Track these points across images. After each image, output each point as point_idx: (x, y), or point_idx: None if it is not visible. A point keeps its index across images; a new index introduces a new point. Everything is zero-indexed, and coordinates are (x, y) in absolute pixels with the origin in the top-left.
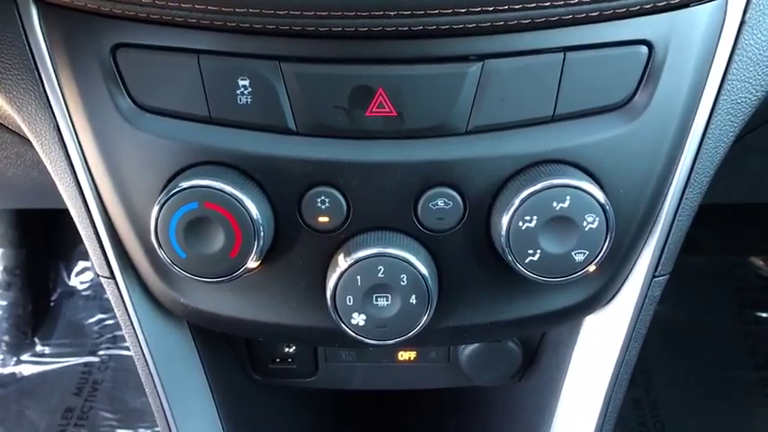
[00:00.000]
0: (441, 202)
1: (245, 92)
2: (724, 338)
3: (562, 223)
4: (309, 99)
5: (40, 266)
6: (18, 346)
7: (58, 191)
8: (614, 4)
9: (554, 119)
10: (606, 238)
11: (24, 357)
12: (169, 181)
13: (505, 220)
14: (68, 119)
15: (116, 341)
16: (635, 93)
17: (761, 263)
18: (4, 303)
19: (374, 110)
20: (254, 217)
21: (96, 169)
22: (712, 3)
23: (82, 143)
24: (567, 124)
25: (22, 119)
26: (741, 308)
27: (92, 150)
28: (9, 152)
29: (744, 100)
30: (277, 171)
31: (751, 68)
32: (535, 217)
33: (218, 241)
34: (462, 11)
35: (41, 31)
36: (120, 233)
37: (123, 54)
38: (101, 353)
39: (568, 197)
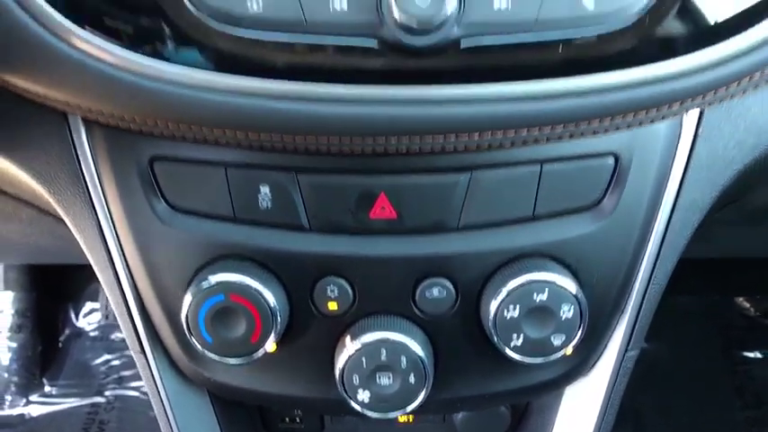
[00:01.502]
0: (436, 291)
1: (266, 197)
2: (711, 378)
3: (542, 312)
4: (321, 203)
5: (49, 308)
6: (27, 387)
7: (76, 250)
8: (583, 128)
9: (534, 218)
10: (580, 325)
11: (33, 398)
12: (197, 271)
13: (492, 308)
14: (109, 219)
15: (122, 382)
16: (603, 196)
17: (746, 303)
18: (15, 345)
19: (377, 212)
20: (273, 306)
21: (133, 261)
22: (670, 119)
23: (121, 239)
24: (546, 223)
25: (68, 216)
26: (727, 348)
27: (129, 245)
28: (42, 228)
29: (700, 199)
30: (292, 264)
31: (705, 173)
32: (518, 306)
33: (240, 328)
34: (452, 137)
35: (88, 144)
36: (151, 315)
37: (160, 165)
38: (107, 393)
39: (547, 289)
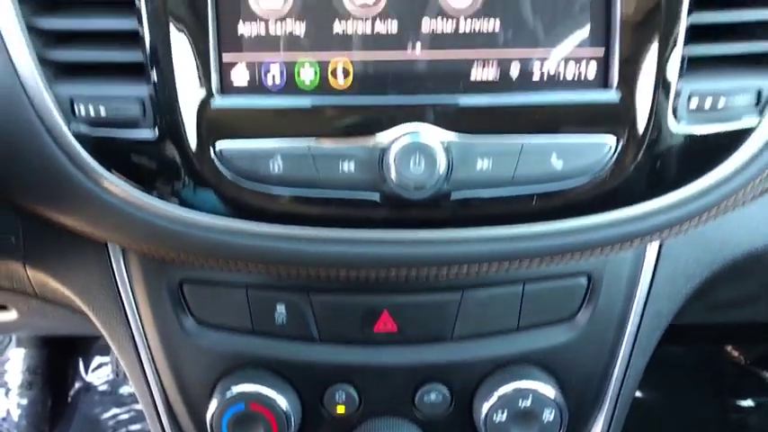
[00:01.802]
0: (433, 395)
1: (281, 314)
2: (704, 427)
3: (527, 415)
4: (330, 319)
5: (59, 363)
6: None
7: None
8: (556, 261)
9: (518, 329)
10: (561, 426)
11: None
12: (220, 378)
13: (483, 411)
14: (142, 331)
15: None
16: (578, 310)
17: (736, 353)
18: (25, 402)
19: (380, 327)
20: (287, 411)
21: (162, 369)
22: None
23: (152, 350)
24: (529, 333)
25: (103, 327)
26: (719, 396)
27: (159, 356)
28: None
29: (665, 308)
30: (305, 372)
31: (668, 288)
32: (506, 411)
33: (259, 431)
34: (444, 270)
35: (125, 267)
36: (176, 414)
37: (188, 286)
38: None
39: (531, 396)
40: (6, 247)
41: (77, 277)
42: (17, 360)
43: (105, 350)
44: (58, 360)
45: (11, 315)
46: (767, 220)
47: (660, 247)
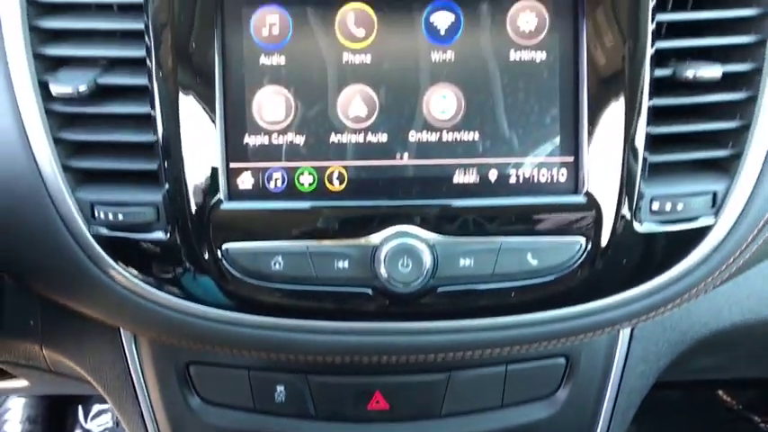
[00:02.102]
0: None
1: (281, 393)
2: None
3: None
4: (327, 397)
5: (59, 412)
6: None
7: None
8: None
9: (503, 406)
10: None
11: None
12: None
13: None
14: (150, 408)
15: None
16: (558, 388)
17: (727, 397)
18: None
19: (373, 405)
20: None
21: None
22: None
23: (159, 424)
24: (513, 409)
25: (112, 402)
26: None
27: (166, 430)
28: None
29: (640, 385)
30: None
31: (641, 366)
32: None
33: None
34: (432, 355)
35: (135, 349)
36: None
37: (194, 367)
38: None
39: None
40: (26, 329)
41: (91, 358)
42: (17, 409)
43: (104, 398)
44: (57, 408)
45: (22, 383)
46: (731, 303)
47: (632, 329)
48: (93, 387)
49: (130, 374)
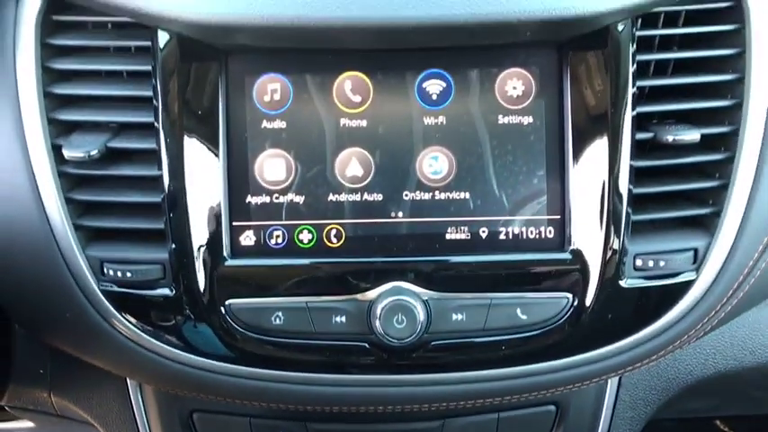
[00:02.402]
0: None
1: None
2: None
3: None
4: None
5: None
6: None
7: None
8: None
9: None
10: None
11: None
12: None
13: None
14: None
15: None
16: None
17: (724, 426)
18: None
19: None
20: None
21: None
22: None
23: None
24: None
25: None
26: None
27: None
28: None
29: (629, 429)
30: None
31: (629, 412)
32: None
33: None
34: (426, 406)
35: (141, 397)
36: None
37: (198, 415)
38: None
39: None
40: (36, 377)
41: (98, 405)
42: None
43: None
44: None
45: (27, 424)
46: (715, 351)
47: (620, 377)
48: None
49: (136, 422)
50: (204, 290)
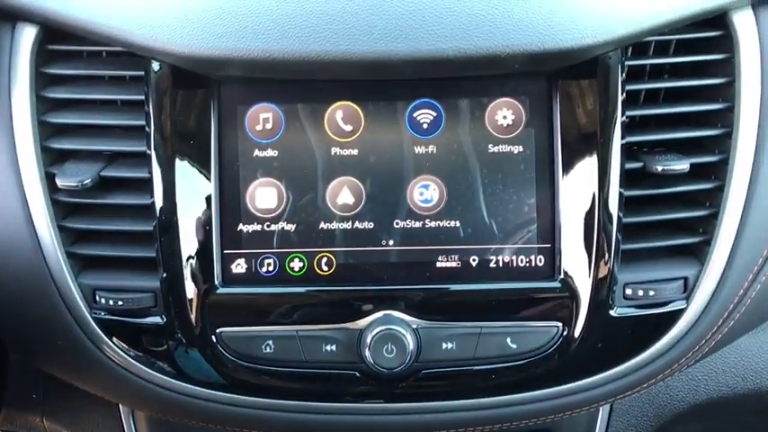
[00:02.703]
0: None
1: None
2: None
3: None
4: None
5: None
6: None
7: None
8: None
9: None
10: None
11: None
12: None
13: None
14: None
15: None
16: None
17: None
18: None
19: None
20: None
21: None
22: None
23: None
24: None
25: None
26: None
27: None
28: None
29: None
30: None
31: None
32: None
33: None
34: None
35: (133, 424)
36: None
37: None
38: None
39: None
40: (29, 402)
41: (90, 430)
42: None
43: None
44: None
45: None
46: (708, 377)
47: (611, 405)
48: None
49: None
50: (195, 318)
